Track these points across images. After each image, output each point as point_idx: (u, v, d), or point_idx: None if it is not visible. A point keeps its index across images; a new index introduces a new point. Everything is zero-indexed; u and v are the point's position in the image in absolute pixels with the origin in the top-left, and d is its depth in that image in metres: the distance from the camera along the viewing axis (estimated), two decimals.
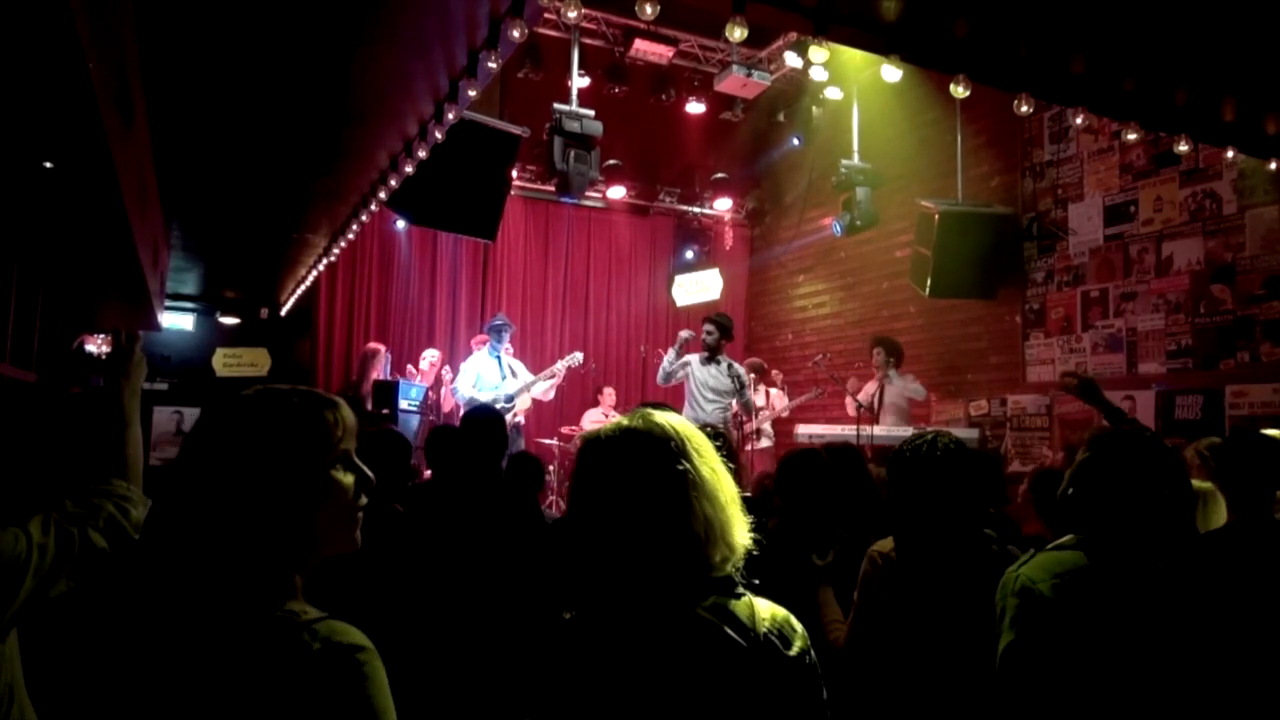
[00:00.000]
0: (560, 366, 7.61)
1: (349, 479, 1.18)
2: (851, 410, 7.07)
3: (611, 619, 1.27)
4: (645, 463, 1.29)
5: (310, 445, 1.15)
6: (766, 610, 1.29)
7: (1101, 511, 2.02)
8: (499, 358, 7.53)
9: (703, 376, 6.51)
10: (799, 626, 1.31)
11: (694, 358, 6.56)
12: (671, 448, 1.30)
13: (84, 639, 1.09)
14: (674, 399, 6.50)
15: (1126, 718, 1.86)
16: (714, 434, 2.14)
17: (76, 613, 1.40)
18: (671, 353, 6.50)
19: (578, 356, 7.72)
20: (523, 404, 7.48)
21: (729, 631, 1.24)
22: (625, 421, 1.35)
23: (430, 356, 8.01)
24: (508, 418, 7.24)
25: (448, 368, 8.03)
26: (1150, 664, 1.88)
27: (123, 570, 1.12)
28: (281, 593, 1.11)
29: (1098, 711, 1.86)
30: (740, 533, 1.31)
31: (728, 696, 1.21)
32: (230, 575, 1.08)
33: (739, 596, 1.28)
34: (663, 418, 1.35)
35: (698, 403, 6.48)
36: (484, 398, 7.15)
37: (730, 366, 6.51)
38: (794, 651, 1.26)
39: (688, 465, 1.29)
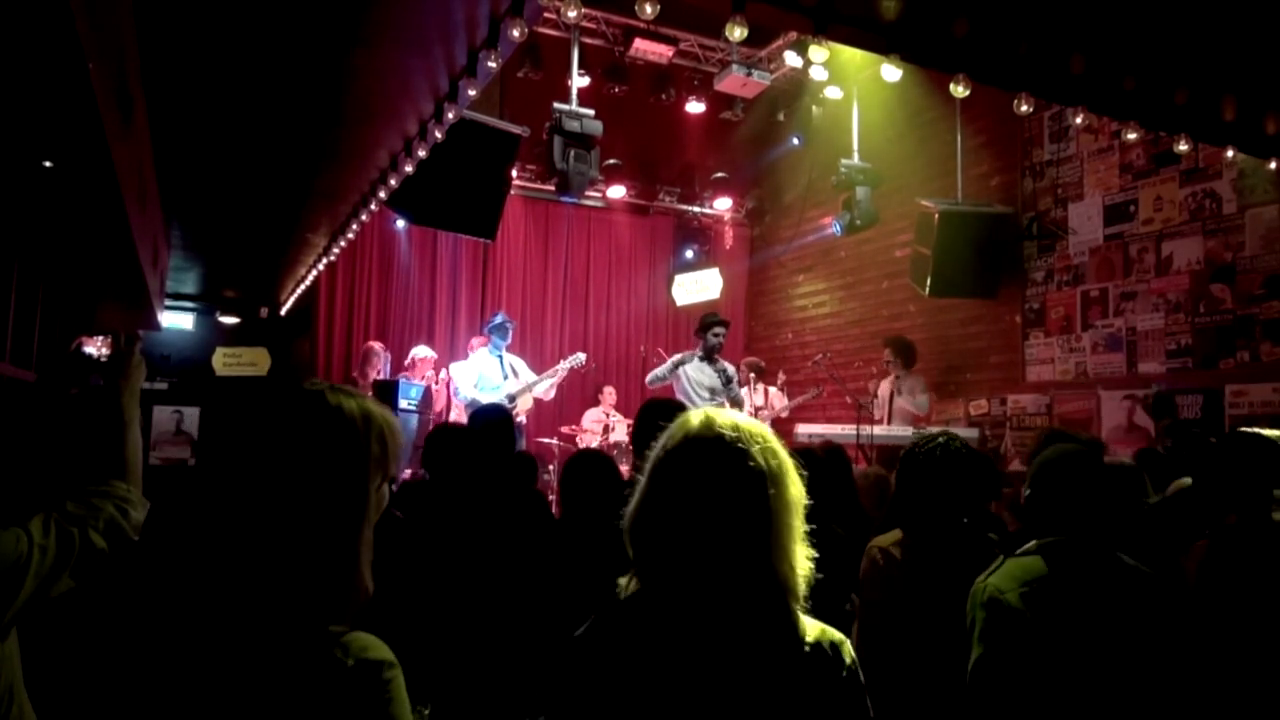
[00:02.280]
0: (563, 367, 7.59)
1: (385, 493, 1.19)
2: (879, 413, 7.12)
3: (668, 615, 1.25)
4: (740, 495, 1.26)
5: (371, 460, 1.14)
6: (815, 626, 1.30)
7: (1061, 513, 2.01)
8: (500, 357, 7.50)
9: (698, 377, 6.55)
10: (847, 641, 1.32)
11: (687, 363, 6.59)
12: (768, 477, 1.28)
13: (118, 646, 1.08)
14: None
15: None
16: None
17: (79, 614, 1.40)
18: (670, 364, 6.56)
19: (580, 357, 7.70)
20: (524, 404, 7.45)
21: (785, 636, 1.24)
22: (726, 431, 1.30)
23: (419, 353, 7.93)
24: None
25: (444, 370, 7.99)
26: (1121, 669, 1.86)
27: (166, 573, 1.10)
28: (331, 610, 1.08)
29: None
30: (803, 566, 1.30)
31: (784, 703, 1.21)
32: (277, 588, 1.07)
33: (792, 610, 1.28)
34: (762, 434, 1.32)
35: (692, 403, 6.49)
36: (485, 398, 7.14)
37: (722, 364, 6.58)
38: (848, 661, 1.27)
39: (775, 503, 1.28)
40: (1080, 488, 2.00)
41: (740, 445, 1.28)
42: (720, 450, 1.28)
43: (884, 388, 7.37)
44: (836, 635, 1.30)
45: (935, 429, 3.00)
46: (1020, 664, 1.85)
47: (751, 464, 1.27)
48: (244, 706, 1.03)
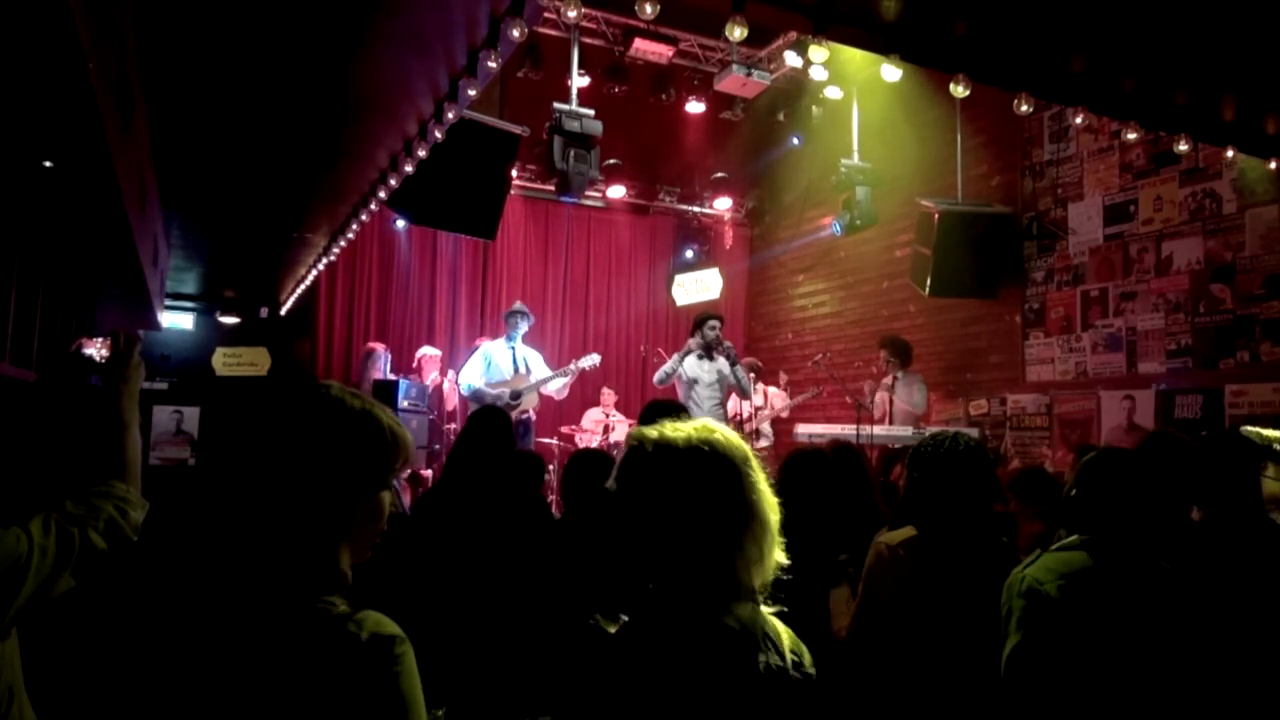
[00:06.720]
0: (574, 367, 7.48)
1: (388, 499, 1.24)
2: (878, 412, 7.10)
3: (649, 627, 1.29)
4: (713, 491, 1.30)
5: (375, 466, 1.20)
6: (780, 625, 1.34)
7: (1107, 511, 2.03)
8: (514, 348, 7.38)
9: (697, 374, 6.53)
10: (802, 645, 1.36)
11: (687, 359, 6.57)
12: (741, 477, 1.32)
13: (122, 635, 1.13)
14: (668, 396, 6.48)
15: (1132, 718, 1.87)
16: None
17: (79, 614, 1.40)
18: (676, 358, 6.54)
19: (595, 358, 7.61)
20: (530, 401, 7.35)
21: (756, 643, 1.27)
22: (694, 435, 1.34)
23: (424, 353, 7.92)
24: (513, 415, 7.19)
25: (452, 372, 7.97)
26: (1155, 664, 1.89)
27: (172, 562, 1.16)
28: (321, 588, 1.14)
29: (1103, 712, 1.86)
30: (775, 562, 1.34)
31: (751, 708, 1.24)
32: (276, 572, 1.12)
33: (758, 611, 1.32)
34: (730, 439, 1.35)
35: (696, 402, 6.48)
36: (490, 391, 7.08)
37: (724, 347, 6.54)
38: (810, 668, 1.32)
39: (749, 499, 1.31)
40: (1123, 487, 2.04)
41: (718, 458, 1.32)
42: (690, 461, 1.31)
43: (877, 387, 7.35)
44: (795, 639, 1.34)
45: (936, 428, 2.99)
46: (1055, 653, 1.89)
47: (724, 479, 1.31)
48: (258, 680, 1.06)
